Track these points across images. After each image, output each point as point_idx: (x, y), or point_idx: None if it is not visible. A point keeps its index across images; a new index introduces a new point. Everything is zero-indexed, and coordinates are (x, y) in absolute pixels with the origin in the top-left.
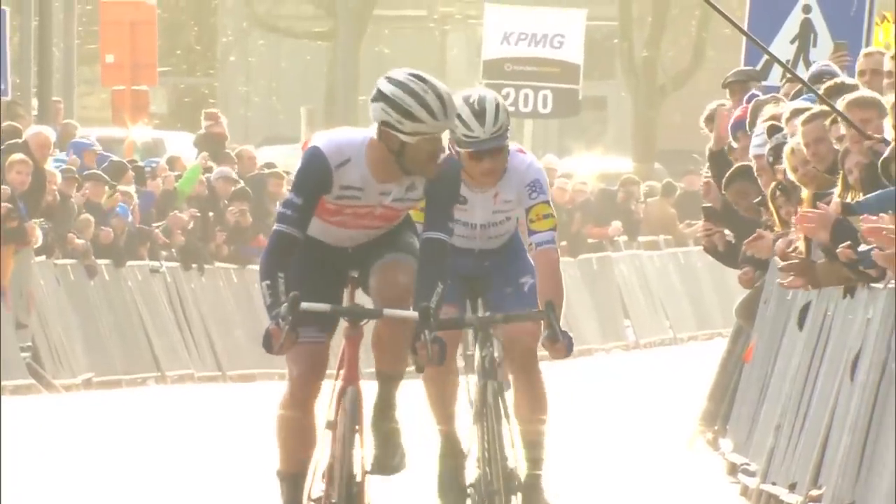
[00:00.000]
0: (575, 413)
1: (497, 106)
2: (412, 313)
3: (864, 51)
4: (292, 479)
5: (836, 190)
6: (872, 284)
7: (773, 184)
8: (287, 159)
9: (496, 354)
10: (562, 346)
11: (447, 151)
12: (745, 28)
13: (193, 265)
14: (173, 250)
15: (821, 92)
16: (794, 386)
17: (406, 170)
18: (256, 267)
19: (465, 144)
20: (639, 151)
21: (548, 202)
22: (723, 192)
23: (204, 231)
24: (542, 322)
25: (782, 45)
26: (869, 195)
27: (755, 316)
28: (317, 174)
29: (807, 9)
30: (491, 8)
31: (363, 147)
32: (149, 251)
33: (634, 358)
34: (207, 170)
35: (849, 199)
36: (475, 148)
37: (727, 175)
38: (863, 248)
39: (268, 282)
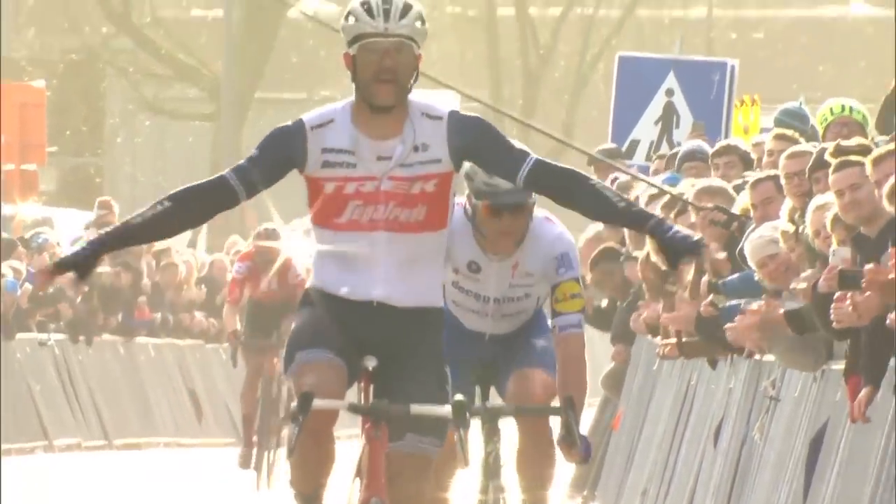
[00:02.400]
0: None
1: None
2: (445, 409)
3: (718, 144)
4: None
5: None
6: (735, 356)
7: (643, 258)
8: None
9: (501, 452)
10: (577, 451)
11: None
12: (611, 110)
13: (81, 338)
14: (62, 323)
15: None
16: (660, 452)
17: (366, 99)
18: (143, 339)
19: (484, 195)
20: None
21: (578, 280)
22: (589, 272)
23: (90, 305)
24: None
25: (647, 127)
26: (733, 276)
27: (621, 386)
28: (283, 130)
29: (670, 92)
30: None
31: (348, 106)
32: (37, 324)
33: None
34: None
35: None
36: (494, 201)
37: (592, 256)
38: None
39: (156, 202)
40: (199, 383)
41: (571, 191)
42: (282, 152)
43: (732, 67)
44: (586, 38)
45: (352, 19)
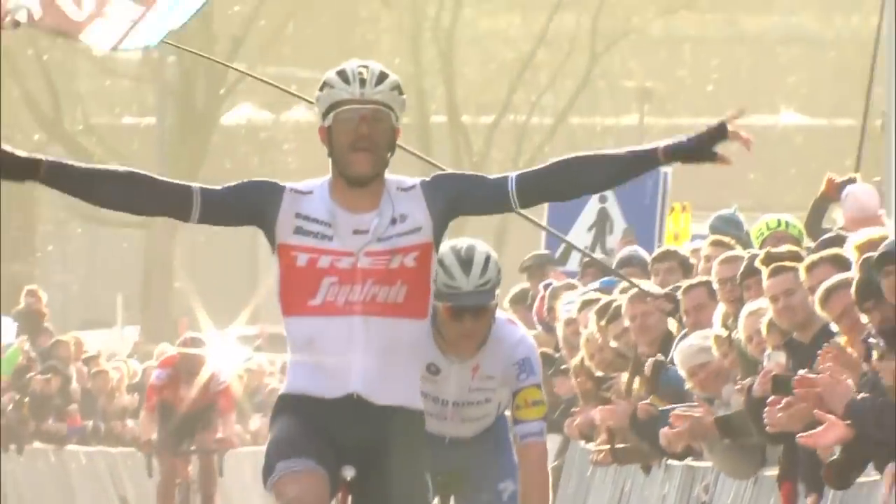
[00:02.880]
0: None
1: (487, 258)
2: None
3: (658, 250)
4: None
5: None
6: (669, 462)
7: (576, 365)
8: (105, 343)
9: None
10: None
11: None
12: (545, 217)
13: (12, 446)
14: None
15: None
16: None
17: (342, 171)
18: (74, 447)
19: (445, 297)
20: None
21: (539, 386)
22: None
23: (20, 413)
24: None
25: (580, 233)
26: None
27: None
28: (262, 180)
29: (603, 198)
30: None
31: (325, 182)
32: None
33: None
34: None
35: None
36: (455, 302)
37: None
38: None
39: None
40: (131, 491)
41: (568, 179)
42: (255, 196)
43: (665, 175)
44: (519, 145)
45: (326, 89)
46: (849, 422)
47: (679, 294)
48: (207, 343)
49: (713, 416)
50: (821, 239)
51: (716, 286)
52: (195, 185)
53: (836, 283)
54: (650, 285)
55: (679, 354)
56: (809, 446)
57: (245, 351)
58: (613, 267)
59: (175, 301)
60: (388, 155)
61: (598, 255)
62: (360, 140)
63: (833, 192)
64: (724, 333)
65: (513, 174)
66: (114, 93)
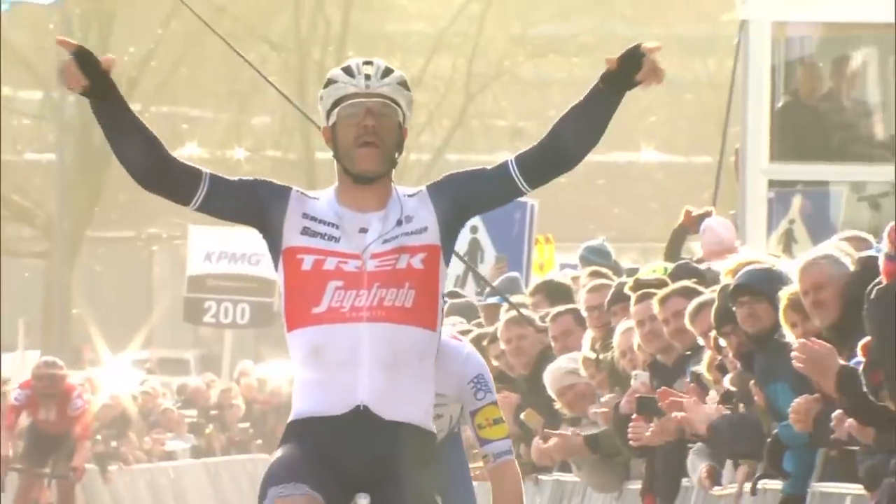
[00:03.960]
0: None
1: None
2: None
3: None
4: None
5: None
6: (540, 476)
7: None
8: (7, 368)
9: None
10: None
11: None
12: None
13: None
14: None
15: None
16: None
17: (348, 170)
18: None
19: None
20: None
21: (496, 403)
22: None
23: None
24: None
25: (453, 261)
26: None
27: None
28: (269, 180)
29: (474, 229)
30: (195, 229)
31: (331, 189)
32: None
33: None
34: None
35: None
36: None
37: None
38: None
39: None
40: None
41: (561, 145)
42: (263, 193)
43: (532, 207)
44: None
45: (330, 86)
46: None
47: (547, 321)
48: (65, 366)
49: (581, 435)
50: (675, 266)
51: (585, 313)
52: (207, 169)
53: (703, 302)
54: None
55: (548, 376)
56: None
57: (139, 374)
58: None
59: (74, 327)
60: (396, 155)
61: (470, 283)
62: (365, 133)
63: (691, 224)
64: (593, 356)
65: (511, 157)
66: (16, 131)
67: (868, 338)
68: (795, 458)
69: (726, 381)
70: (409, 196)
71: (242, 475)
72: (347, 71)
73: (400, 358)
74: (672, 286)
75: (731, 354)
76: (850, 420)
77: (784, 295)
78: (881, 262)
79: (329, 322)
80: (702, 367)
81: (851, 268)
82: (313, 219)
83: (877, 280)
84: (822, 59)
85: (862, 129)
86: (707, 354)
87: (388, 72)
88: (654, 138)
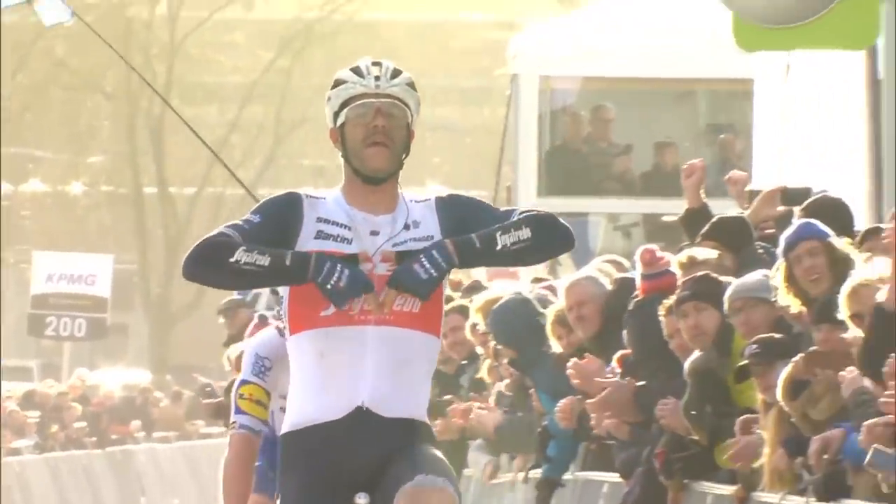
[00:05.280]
0: None
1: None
2: None
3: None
4: None
5: None
6: None
7: None
8: None
9: None
10: None
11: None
12: None
13: None
14: None
15: None
16: None
17: (357, 170)
18: None
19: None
20: (155, 366)
21: None
22: None
23: None
24: None
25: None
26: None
27: None
28: (282, 196)
29: None
30: (39, 254)
31: (337, 189)
32: None
33: None
34: None
35: None
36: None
37: None
38: None
39: (241, 251)
40: None
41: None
42: (280, 212)
43: None
44: (216, 212)
45: (338, 87)
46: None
47: None
48: None
49: None
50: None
51: None
52: (227, 230)
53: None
54: None
55: None
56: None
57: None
58: None
59: None
60: (404, 156)
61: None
62: (375, 133)
63: None
64: None
65: (519, 209)
66: None
67: (623, 351)
68: (558, 447)
69: (502, 386)
70: (416, 202)
71: (79, 469)
72: (356, 71)
73: (404, 362)
74: (450, 304)
75: (505, 362)
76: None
77: (551, 311)
78: (638, 281)
79: (337, 325)
80: (482, 373)
81: (610, 287)
82: (326, 221)
83: (634, 294)
84: (583, 107)
85: (616, 168)
86: (486, 363)
87: (396, 73)
88: (439, 175)
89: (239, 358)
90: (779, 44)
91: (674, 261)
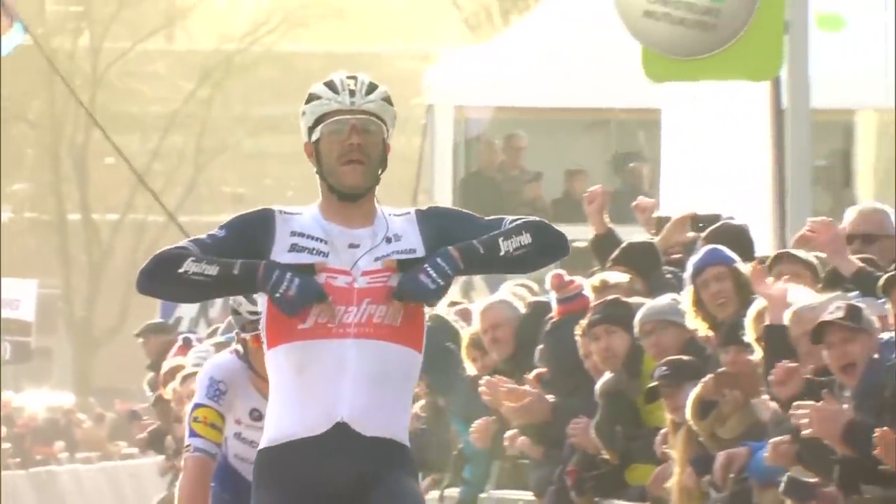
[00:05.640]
0: None
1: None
2: None
3: None
4: None
5: None
6: None
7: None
8: None
9: None
10: None
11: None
12: None
13: None
14: None
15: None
16: None
17: (333, 187)
18: None
19: (252, 325)
20: (78, 388)
21: None
22: None
23: None
24: None
25: (187, 306)
26: None
27: None
28: (253, 211)
29: None
30: None
31: (314, 205)
32: None
33: None
34: None
35: None
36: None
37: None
38: None
39: (189, 261)
40: None
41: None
42: (251, 231)
43: None
44: (139, 238)
45: (312, 102)
46: None
47: None
48: None
49: None
50: None
51: None
52: (185, 242)
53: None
54: None
55: None
56: None
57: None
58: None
59: None
60: (380, 171)
61: (202, 325)
62: (350, 151)
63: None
64: None
65: (509, 217)
66: None
67: (537, 370)
68: (474, 468)
69: (416, 407)
70: (396, 215)
71: (3, 489)
72: (331, 86)
73: (384, 376)
74: None
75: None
76: (522, 438)
77: (466, 334)
78: (553, 304)
79: (315, 338)
80: None
81: (523, 310)
82: (301, 234)
83: (549, 316)
84: (496, 136)
85: (527, 194)
86: None
87: (372, 87)
88: None
89: (167, 374)
90: (686, 75)
91: (587, 284)
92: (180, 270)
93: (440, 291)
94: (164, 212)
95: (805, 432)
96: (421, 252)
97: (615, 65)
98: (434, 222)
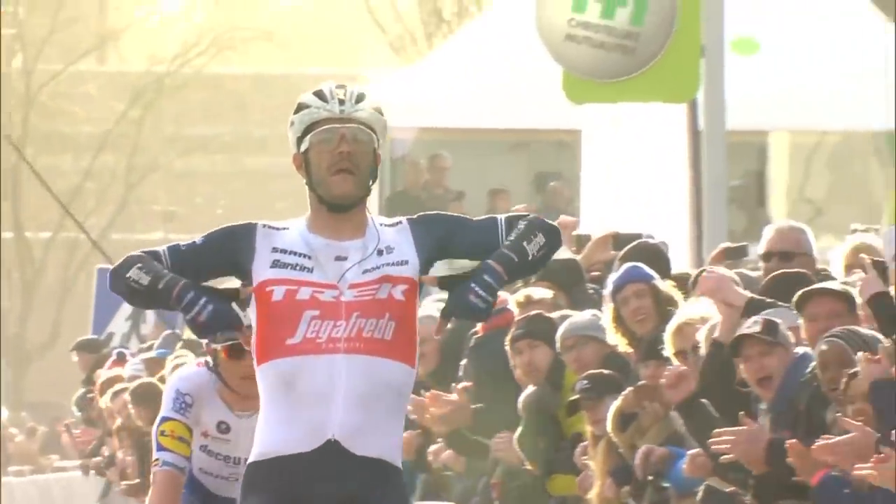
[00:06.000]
0: None
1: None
2: None
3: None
4: None
5: None
6: None
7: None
8: None
9: None
10: None
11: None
12: (92, 309)
13: None
14: None
15: None
16: None
17: (322, 197)
18: None
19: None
20: (11, 403)
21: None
22: None
23: None
24: None
25: (119, 322)
26: None
27: None
28: (236, 224)
29: None
30: None
31: (303, 218)
32: None
33: None
34: None
35: None
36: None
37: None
38: None
39: (135, 268)
40: None
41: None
42: (229, 244)
43: None
44: (71, 256)
45: (301, 111)
46: None
47: None
48: None
49: None
50: None
51: None
52: (163, 248)
53: None
54: None
55: None
56: None
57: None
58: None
59: None
60: (371, 182)
61: (134, 341)
62: (340, 160)
63: None
64: None
65: (501, 216)
66: None
67: (463, 384)
68: None
69: None
70: (387, 226)
71: None
72: (320, 95)
73: (376, 393)
74: None
75: None
76: (447, 452)
77: None
78: None
79: (303, 353)
80: None
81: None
82: (283, 251)
83: (473, 331)
84: (421, 156)
85: (451, 212)
86: None
87: (361, 97)
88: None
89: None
90: (606, 97)
91: (511, 300)
92: (127, 275)
93: (490, 309)
94: (88, 236)
95: (725, 457)
96: (414, 264)
97: (537, 87)
98: (428, 229)
